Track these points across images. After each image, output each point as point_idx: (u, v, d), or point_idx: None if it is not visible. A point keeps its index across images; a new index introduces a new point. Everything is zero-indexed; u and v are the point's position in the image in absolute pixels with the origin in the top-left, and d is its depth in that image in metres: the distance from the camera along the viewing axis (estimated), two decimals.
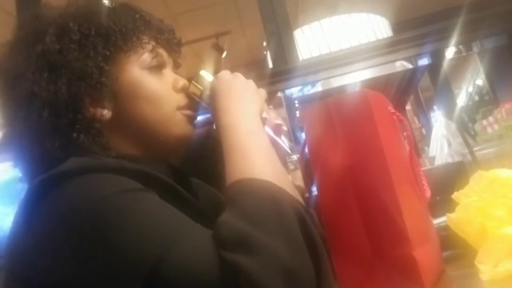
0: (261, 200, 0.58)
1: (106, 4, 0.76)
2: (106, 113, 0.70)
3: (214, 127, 0.75)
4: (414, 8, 3.82)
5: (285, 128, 0.76)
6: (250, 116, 0.69)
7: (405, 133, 0.73)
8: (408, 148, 0.73)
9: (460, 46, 2.17)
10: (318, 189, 0.67)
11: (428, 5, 3.80)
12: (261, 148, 0.65)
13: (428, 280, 0.60)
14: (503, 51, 2.36)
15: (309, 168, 0.70)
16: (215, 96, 0.74)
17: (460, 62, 3.43)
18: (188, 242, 0.53)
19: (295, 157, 1.47)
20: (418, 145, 2.89)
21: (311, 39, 2.44)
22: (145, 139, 0.72)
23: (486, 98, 3.57)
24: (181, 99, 0.76)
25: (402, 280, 0.60)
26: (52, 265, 0.55)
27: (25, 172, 0.70)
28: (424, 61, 2.12)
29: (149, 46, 0.74)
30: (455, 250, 0.79)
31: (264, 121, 0.74)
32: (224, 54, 3.88)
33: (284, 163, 0.85)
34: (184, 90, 0.77)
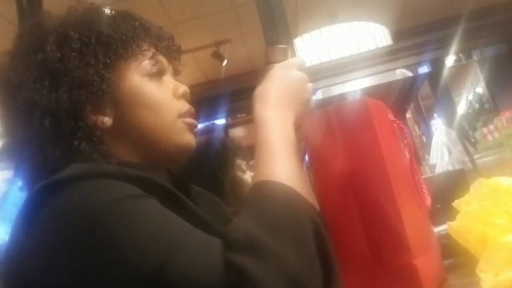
0: (279, 205, 0.58)
1: (106, 13, 0.76)
2: (107, 120, 0.70)
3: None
4: (414, 17, 3.84)
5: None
6: (285, 118, 0.68)
7: (405, 141, 0.73)
8: (408, 156, 0.73)
9: (460, 55, 2.18)
10: (318, 197, 0.67)
11: (428, 14, 3.82)
12: (289, 152, 0.65)
13: None
14: (503, 60, 2.37)
15: (309, 176, 0.70)
16: (261, 86, 0.72)
17: (460, 70, 3.44)
18: (190, 248, 0.53)
19: None
20: (418, 153, 2.89)
21: (311, 48, 2.45)
22: (146, 147, 0.72)
23: (487, 106, 3.57)
24: (182, 106, 0.76)
25: None
26: (52, 272, 0.55)
27: (26, 181, 0.70)
28: (424, 69, 2.13)
29: (149, 53, 0.74)
30: (456, 259, 0.78)
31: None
32: (225, 63, 3.89)
33: None
34: (185, 97, 0.77)
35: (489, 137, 1.80)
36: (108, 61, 0.69)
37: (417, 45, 1.93)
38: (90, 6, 0.77)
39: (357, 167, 0.64)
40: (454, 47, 1.89)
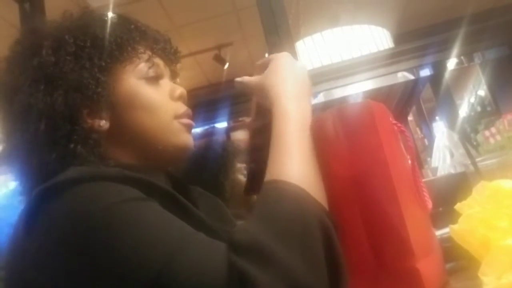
0: (289, 209, 0.57)
1: (101, 16, 0.76)
2: (104, 123, 0.70)
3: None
4: (416, 20, 3.84)
5: None
6: (304, 107, 0.68)
7: (407, 144, 0.73)
8: (410, 159, 0.73)
9: (462, 57, 2.18)
10: None
11: (430, 17, 3.82)
12: (304, 148, 0.64)
13: None
14: (504, 62, 2.37)
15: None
16: (272, 76, 0.72)
17: (462, 73, 3.44)
18: (191, 250, 0.53)
19: None
20: (420, 156, 2.88)
21: (313, 51, 2.45)
22: (143, 149, 0.72)
23: (488, 108, 3.57)
24: (178, 108, 0.76)
25: None
26: (52, 275, 0.55)
27: (24, 185, 0.70)
28: (425, 72, 2.13)
29: (145, 56, 0.75)
30: (458, 262, 0.78)
31: None
32: (226, 66, 3.90)
33: None
34: (182, 98, 0.78)
35: (491, 140, 1.80)
36: (104, 64, 0.70)
37: (418, 48, 1.93)
38: (85, 10, 0.78)
39: (360, 170, 0.64)
40: (455, 50, 1.89)
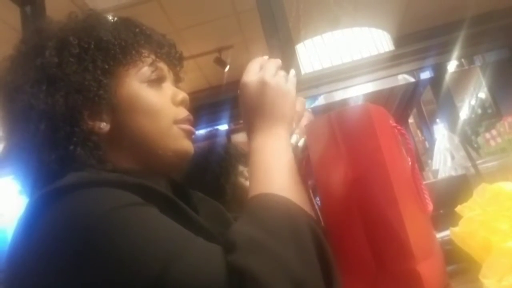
0: (276, 214, 0.58)
1: (106, 19, 0.76)
2: (104, 126, 0.70)
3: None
4: (416, 22, 3.85)
5: None
6: (277, 137, 0.70)
7: (407, 147, 0.73)
8: (410, 161, 0.73)
9: (462, 60, 2.17)
10: (321, 203, 0.67)
11: (430, 19, 3.82)
12: (284, 167, 0.66)
13: None
14: (505, 65, 2.37)
15: (312, 181, 0.70)
16: (244, 108, 0.73)
17: (463, 75, 3.44)
18: (191, 255, 0.53)
19: None
20: (421, 158, 2.88)
21: (313, 53, 2.45)
22: (143, 153, 0.72)
23: (489, 111, 3.57)
24: (179, 113, 0.76)
25: None
26: (51, 281, 0.55)
27: (23, 184, 0.70)
28: (426, 75, 2.13)
29: (149, 60, 0.74)
30: (459, 265, 0.78)
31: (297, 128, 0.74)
32: (227, 68, 3.90)
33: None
34: (184, 104, 0.77)
35: (492, 142, 1.80)
36: (107, 67, 0.69)
37: (419, 51, 1.93)
38: (91, 12, 0.77)
39: (359, 173, 0.64)
40: (456, 52, 1.89)
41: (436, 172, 1.81)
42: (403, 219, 0.60)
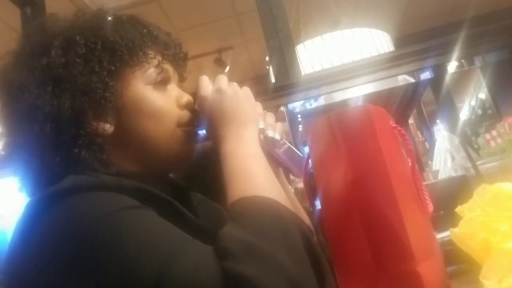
0: (264, 215, 0.58)
1: (114, 18, 0.74)
2: (109, 127, 0.69)
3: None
4: (416, 23, 3.85)
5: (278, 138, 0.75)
6: (247, 140, 0.69)
7: (407, 148, 0.73)
8: (410, 162, 0.73)
9: (462, 61, 2.17)
10: (321, 204, 0.67)
11: (430, 20, 3.82)
12: (260, 169, 0.66)
13: None
14: (505, 66, 2.37)
15: (312, 182, 0.70)
16: (208, 121, 0.73)
17: (463, 76, 3.44)
18: (188, 258, 0.53)
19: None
20: (421, 159, 2.88)
21: (313, 54, 2.45)
22: (146, 155, 0.72)
23: (489, 112, 3.57)
24: (183, 116, 0.75)
25: None
26: (49, 283, 0.55)
27: (24, 184, 0.69)
28: (426, 75, 2.12)
29: (155, 61, 0.73)
30: (459, 265, 0.78)
31: (262, 131, 0.74)
32: (227, 69, 3.90)
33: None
34: (188, 107, 0.77)
35: (492, 143, 1.80)
36: (113, 68, 0.69)
37: (419, 51, 1.93)
38: (98, 11, 0.76)
39: (359, 174, 0.64)
40: (456, 53, 1.88)
41: (436, 173, 1.80)
42: (403, 220, 0.60)
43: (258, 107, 0.77)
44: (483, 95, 3.62)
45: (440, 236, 0.82)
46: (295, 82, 1.99)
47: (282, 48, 2.09)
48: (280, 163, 0.78)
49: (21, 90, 0.68)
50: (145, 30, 0.74)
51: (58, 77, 0.67)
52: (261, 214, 0.58)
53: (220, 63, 3.88)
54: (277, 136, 0.75)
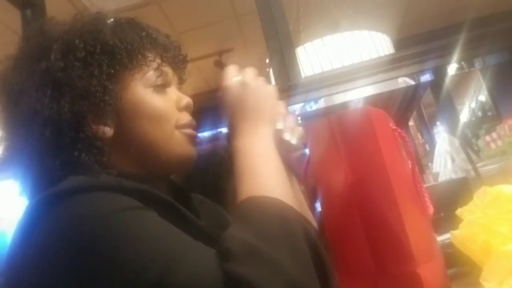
0: (269, 216, 0.57)
1: (112, 21, 0.74)
2: (108, 130, 0.69)
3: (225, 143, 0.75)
4: (416, 25, 3.85)
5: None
6: (262, 138, 0.69)
7: (407, 150, 0.73)
8: (410, 164, 0.73)
9: (462, 63, 2.17)
10: (322, 206, 0.67)
11: (430, 22, 3.83)
12: (272, 168, 0.66)
13: None
14: (505, 68, 2.37)
15: (312, 184, 0.70)
16: (227, 111, 0.73)
17: (463, 78, 3.44)
18: (189, 259, 0.53)
19: None
20: (421, 161, 2.88)
21: (313, 56, 2.46)
22: (146, 158, 0.72)
23: (489, 114, 3.56)
24: (182, 118, 0.75)
25: None
26: (50, 285, 0.54)
27: (24, 187, 0.69)
28: (426, 78, 2.12)
29: (154, 64, 0.73)
30: (459, 268, 0.78)
31: (279, 133, 0.74)
32: None
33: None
34: (188, 109, 0.77)
35: (492, 145, 1.80)
36: (112, 71, 0.69)
37: (419, 54, 1.93)
38: (97, 14, 0.76)
39: (359, 176, 0.64)
40: (456, 55, 1.89)
41: (436, 175, 1.80)
42: (403, 221, 0.60)
43: (280, 106, 0.76)
44: (483, 97, 3.62)
45: (440, 238, 0.82)
46: (295, 84, 1.99)
47: (282, 50, 2.09)
48: (289, 168, 0.77)
49: (20, 94, 0.68)
50: (144, 33, 0.74)
51: (58, 81, 0.67)
52: (267, 215, 0.58)
53: (220, 65, 3.88)
54: (294, 141, 0.74)
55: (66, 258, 0.54)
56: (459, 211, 0.75)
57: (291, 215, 0.59)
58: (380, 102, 2.03)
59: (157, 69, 0.74)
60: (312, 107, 2.02)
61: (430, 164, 2.25)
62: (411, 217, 0.65)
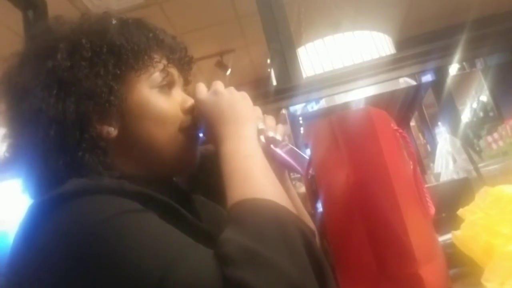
0: (264, 218, 0.57)
1: (120, 22, 0.74)
2: (113, 131, 0.69)
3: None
4: (417, 26, 3.85)
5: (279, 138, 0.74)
6: (246, 139, 0.69)
7: (408, 150, 0.73)
8: (412, 165, 0.73)
9: (464, 63, 2.17)
10: (323, 206, 0.67)
11: (431, 23, 3.83)
12: (260, 169, 0.65)
13: None
14: (506, 68, 2.37)
15: (314, 185, 0.70)
16: (206, 123, 0.73)
17: (464, 78, 3.44)
18: (190, 262, 0.52)
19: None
20: (423, 162, 2.88)
21: (314, 57, 2.46)
22: (150, 159, 0.72)
23: (491, 114, 3.56)
24: (186, 120, 0.75)
25: None
26: (52, 286, 0.55)
27: (27, 186, 0.69)
28: (427, 78, 2.12)
29: (160, 65, 0.73)
30: (461, 268, 0.78)
31: (261, 132, 0.74)
32: (229, 72, 3.91)
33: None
34: (192, 111, 0.77)
35: (494, 146, 1.80)
36: (118, 72, 0.69)
37: (420, 54, 1.93)
38: (104, 14, 0.76)
39: (360, 177, 0.64)
40: (457, 56, 1.88)
41: (438, 176, 1.80)
42: (405, 222, 0.60)
43: (257, 110, 0.76)
44: (484, 97, 3.62)
45: (442, 238, 0.82)
46: (297, 85, 1.99)
47: (283, 51, 2.09)
48: (283, 163, 0.77)
49: (26, 92, 0.68)
50: (151, 34, 0.74)
51: (63, 81, 0.67)
52: (261, 217, 0.57)
53: (221, 66, 3.89)
54: (278, 137, 0.75)
55: (67, 260, 0.54)
56: (460, 212, 0.75)
57: (285, 216, 0.59)
58: (382, 102, 2.03)
59: (163, 70, 0.74)
60: (314, 107, 2.02)
61: (431, 164, 2.24)
62: (413, 217, 0.65)
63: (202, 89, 0.75)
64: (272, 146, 0.75)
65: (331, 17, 2.88)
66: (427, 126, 3.23)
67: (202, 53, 3.77)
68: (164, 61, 0.74)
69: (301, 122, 2.04)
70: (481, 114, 3.63)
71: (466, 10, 3.27)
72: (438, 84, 2.30)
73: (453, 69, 2.15)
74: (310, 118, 2.00)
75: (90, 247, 0.53)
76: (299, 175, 0.85)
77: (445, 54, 1.95)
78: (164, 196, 0.65)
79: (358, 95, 1.93)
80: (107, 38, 0.70)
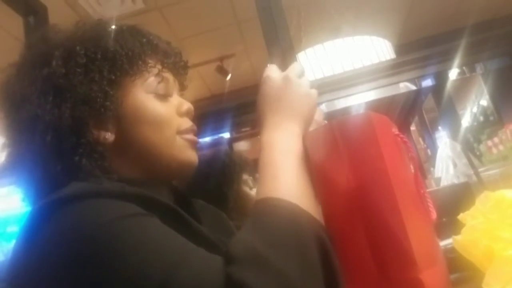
0: (281, 221, 0.57)
1: (114, 28, 0.76)
2: (109, 136, 0.70)
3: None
4: (417, 30, 3.86)
5: None
6: (289, 134, 0.68)
7: (409, 155, 0.73)
8: (413, 169, 0.73)
9: (464, 68, 2.18)
10: (323, 211, 0.67)
11: (431, 27, 3.83)
12: (293, 168, 0.64)
13: None
14: (506, 72, 2.38)
15: (314, 189, 0.70)
16: (261, 102, 0.72)
17: (464, 83, 3.45)
18: (191, 265, 0.52)
19: None
20: (423, 166, 2.88)
21: (314, 62, 2.46)
22: (147, 163, 0.72)
23: (491, 118, 3.57)
24: (183, 123, 0.76)
25: None
26: None
27: (27, 193, 0.70)
28: (427, 83, 2.13)
29: (155, 70, 0.74)
30: (462, 273, 0.78)
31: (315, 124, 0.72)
32: (229, 77, 3.91)
33: None
34: (189, 114, 0.77)
35: (494, 150, 1.80)
36: (113, 77, 0.70)
37: (420, 59, 1.94)
38: (98, 21, 0.77)
39: (362, 181, 0.64)
40: (457, 60, 1.89)
41: (438, 180, 1.80)
42: (405, 227, 0.60)
43: (318, 112, 0.75)
44: (484, 101, 3.62)
45: (442, 243, 0.82)
46: None
47: (283, 56, 2.09)
48: None
49: (22, 100, 0.69)
50: (144, 40, 0.75)
51: (59, 87, 0.68)
52: (279, 220, 0.57)
53: (221, 71, 3.89)
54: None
55: (68, 264, 0.54)
56: (461, 216, 0.75)
57: (306, 223, 0.58)
58: (382, 107, 2.03)
59: (157, 75, 0.74)
60: None
61: (432, 169, 2.25)
62: (414, 222, 0.64)
63: (274, 68, 0.76)
64: None
65: (331, 22, 2.89)
66: (427, 131, 3.24)
67: (202, 58, 3.77)
68: (159, 66, 0.75)
69: None
70: (481, 118, 3.64)
71: (466, 15, 3.27)
72: (438, 88, 2.31)
73: (453, 73, 2.16)
74: None
75: (92, 251, 0.53)
76: None
77: (445, 59, 1.96)
78: (165, 199, 0.65)
79: (358, 100, 1.94)
80: (101, 45, 0.71)
